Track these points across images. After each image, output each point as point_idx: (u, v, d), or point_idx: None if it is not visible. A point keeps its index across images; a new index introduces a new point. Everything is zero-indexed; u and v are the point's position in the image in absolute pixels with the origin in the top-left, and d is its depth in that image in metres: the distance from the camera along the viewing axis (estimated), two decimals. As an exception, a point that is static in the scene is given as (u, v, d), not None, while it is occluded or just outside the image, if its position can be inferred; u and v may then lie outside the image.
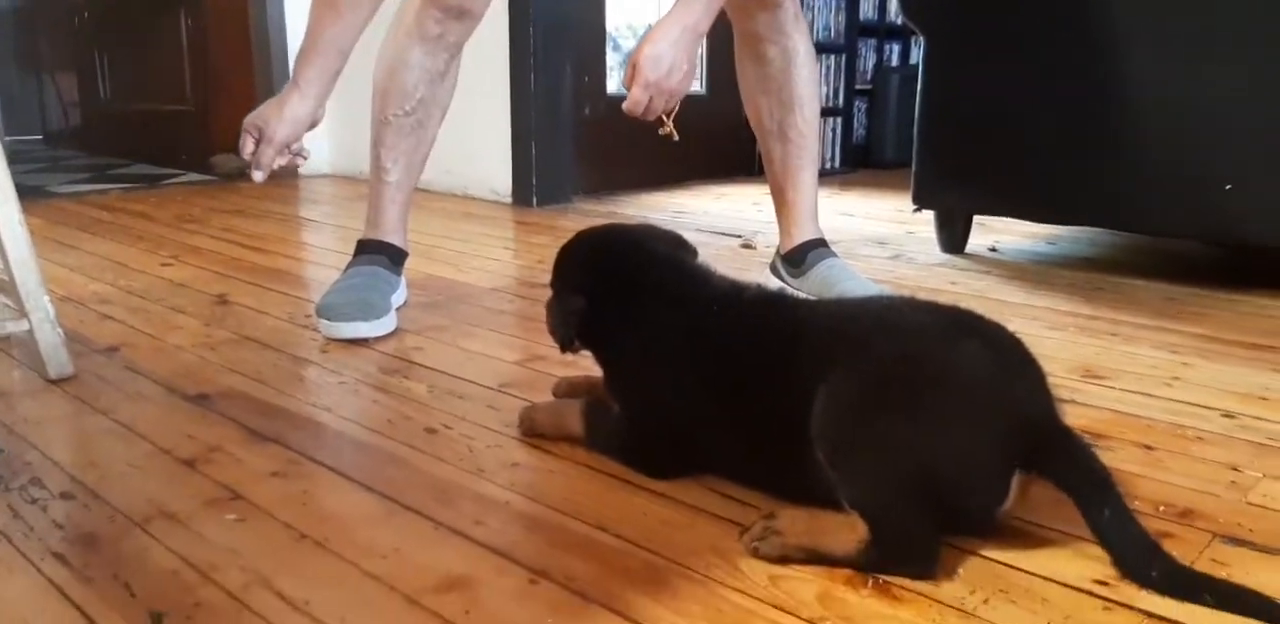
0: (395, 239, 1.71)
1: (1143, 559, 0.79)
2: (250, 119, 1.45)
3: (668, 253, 1.07)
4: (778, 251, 1.85)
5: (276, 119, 1.44)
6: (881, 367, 0.86)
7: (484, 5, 1.61)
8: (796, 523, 0.86)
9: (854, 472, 0.84)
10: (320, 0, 1.45)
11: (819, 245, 1.79)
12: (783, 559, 0.84)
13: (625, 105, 1.40)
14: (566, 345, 1.06)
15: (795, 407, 0.87)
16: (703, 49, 3.73)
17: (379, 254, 1.68)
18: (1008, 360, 0.89)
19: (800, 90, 1.76)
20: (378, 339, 1.51)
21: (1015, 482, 0.83)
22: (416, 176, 1.71)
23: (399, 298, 1.70)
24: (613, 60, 3.44)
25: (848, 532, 0.83)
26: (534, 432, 1.13)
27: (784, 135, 1.78)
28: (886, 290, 1.77)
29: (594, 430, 1.08)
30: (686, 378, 0.98)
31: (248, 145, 1.46)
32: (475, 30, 1.64)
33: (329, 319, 1.52)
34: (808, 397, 0.86)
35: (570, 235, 1.11)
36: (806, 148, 1.79)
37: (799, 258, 1.78)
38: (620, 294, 1.03)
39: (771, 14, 1.71)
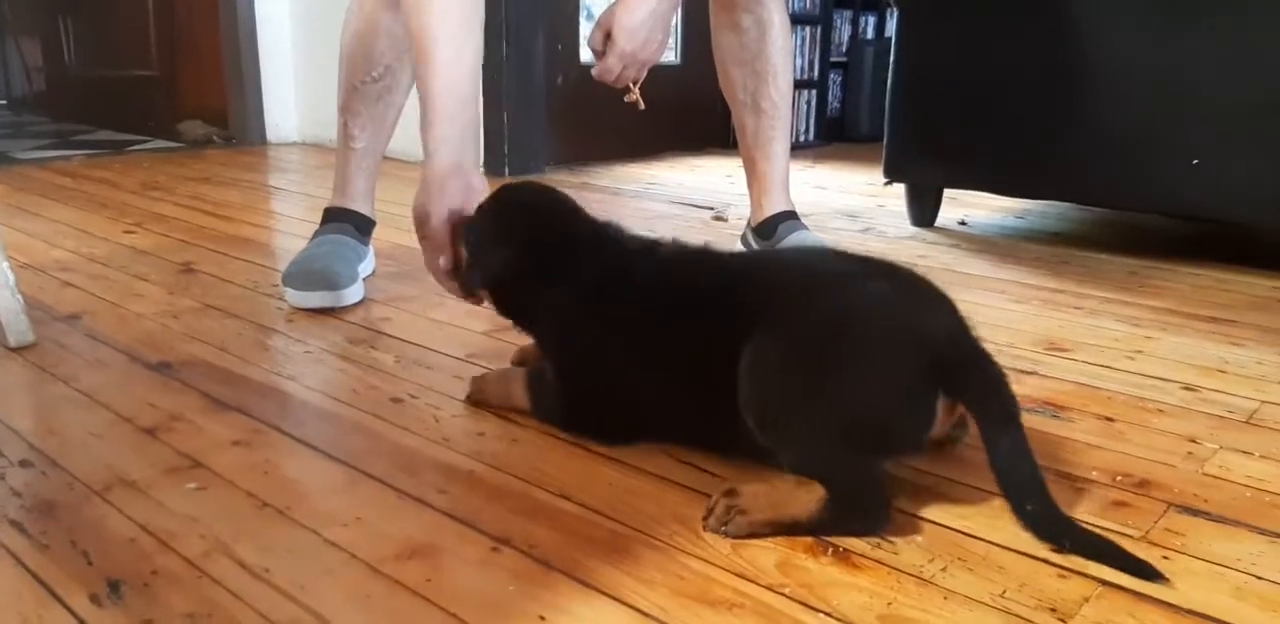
0: (362, 207, 1.69)
1: (1024, 494, 0.83)
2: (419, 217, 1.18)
3: (588, 213, 1.10)
4: (749, 223, 1.85)
5: (423, 191, 1.18)
6: (793, 323, 0.88)
7: None
8: (758, 498, 0.85)
9: (789, 436, 0.86)
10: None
11: (789, 217, 1.79)
12: (750, 536, 0.84)
13: (595, 72, 1.39)
14: (482, 286, 1.09)
15: (726, 361, 0.89)
16: (678, 18, 3.71)
17: (346, 222, 1.66)
18: (917, 294, 0.93)
19: (774, 61, 1.75)
20: (344, 309, 1.50)
21: (940, 406, 0.86)
22: (385, 144, 1.69)
23: (367, 267, 1.69)
24: (586, 29, 3.40)
25: (806, 493, 0.84)
26: (483, 402, 1.12)
27: (757, 107, 1.77)
28: None
29: (537, 399, 1.07)
30: (615, 336, 0.99)
31: (425, 250, 1.19)
32: None
33: (294, 288, 1.50)
34: (736, 350, 0.88)
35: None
36: (779, 119, 1.78)
37: (769, 229, 1.78)
38: (549, 253, 1.04)
39: None
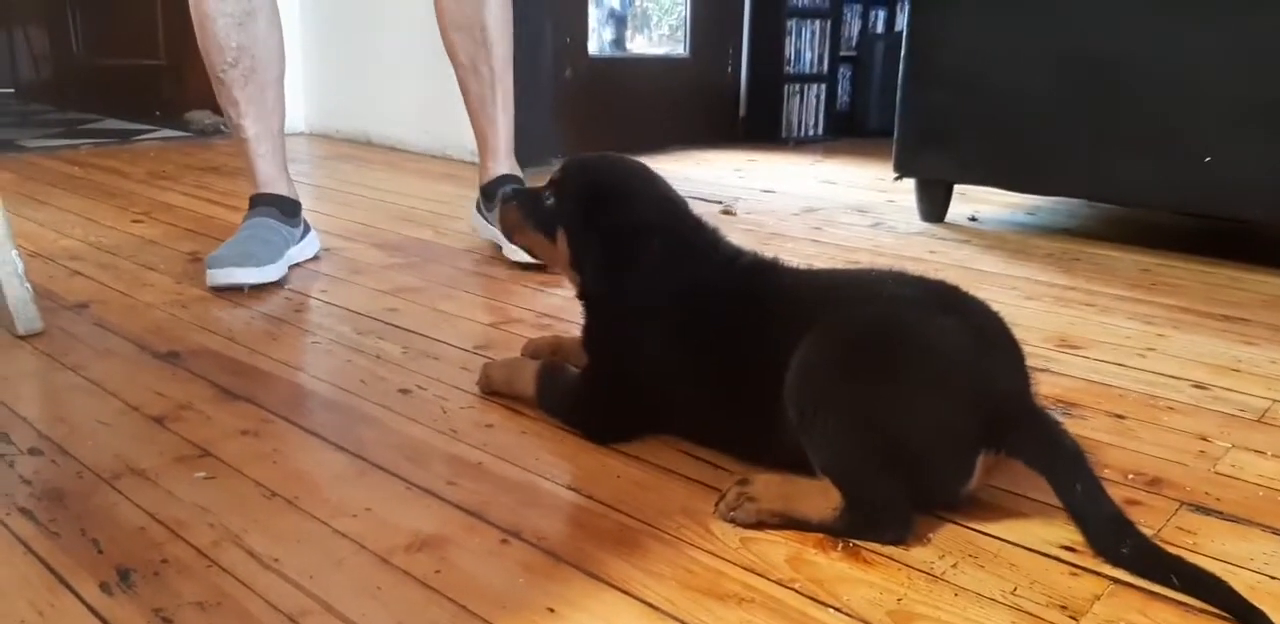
0: (280, 189, 1.72)
1: (1114, 536, 0.79)
2: None
3: (686, 208, 1.06)
4: (479, 184, 1.89)
5: None
6: (854, 332, 0.86)
7: None
8: (770, 488, 0.85)
9: (824, 436, 0.84)
10: None
11: (512, 181, 1.82)
12: (758, 525, 0.84)
13: None
14: (545, 232, 1.05)
15: (775, 370, 0.87)
16: (686, 12, 3.70)
17: (267, 205, 1.69)
18: (984, 337, 0.88)
19: (492, 31, 1.79)
20: (351, 299, 1.50)
21: (980, 461, 0.83)
22: (278, 124, 1.72)
23: (305, 250, 1.72)
24: (594, 19, 3.40)
25: (822, 497, 0.83)
26: (490, 388, 1.12)
27: (476, 71, 1.82)
28: None
29: (545, 391, 1.07)
30: (678, 334, 0.98)
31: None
32: None
33: (209, 267, 1.52)
34: (786, 360, 0.86)
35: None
36: (499, 87, 1.83)
37: (492, 191, 1.80)
38: (635, 240, 1.00)
39: None
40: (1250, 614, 0.72)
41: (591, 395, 1.03)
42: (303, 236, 1.72)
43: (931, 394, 0.83)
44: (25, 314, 1.28)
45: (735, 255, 1.03)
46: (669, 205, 1.05)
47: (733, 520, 0.84)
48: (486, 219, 1.80)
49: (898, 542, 0.82)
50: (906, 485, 0.83)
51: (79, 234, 1.89)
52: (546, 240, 1.07)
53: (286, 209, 1.70)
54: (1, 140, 3.23)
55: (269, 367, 1.21)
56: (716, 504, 0.86)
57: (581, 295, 1.06)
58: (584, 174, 1.07)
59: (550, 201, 1.06)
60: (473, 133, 1.90)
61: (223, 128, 3.54)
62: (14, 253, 1.28)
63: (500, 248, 1.71)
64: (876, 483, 0.83)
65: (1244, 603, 0.72)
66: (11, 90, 4.90)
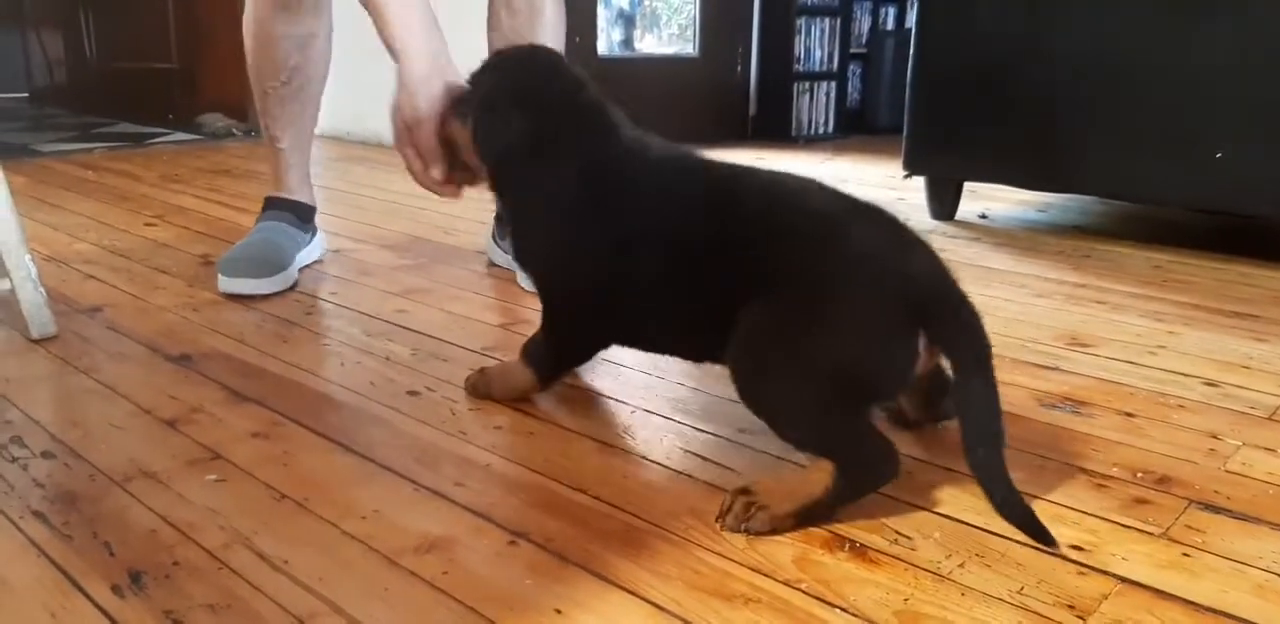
0: (301, 196, 1.73)
1: (979, 440, 0.82)
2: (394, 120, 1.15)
3: (602, 98, 1.06)
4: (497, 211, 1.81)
5: (405, 94, 1.13)
6: (786, 281, 0.88)
7: None
8: (774, 493, 0.85)
9: (787, 418, 0.88)
10: None
11: None
12: (774, 532, 0.83)
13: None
14: (491, 160, 1.05)
15: (717, 271, 0.91)
16: (696, 11, 3.70)
17: (286, 211, 1.70)
18: (898, 237, 0.92)
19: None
20: (360, 301, 1.51)
21: (922, 346, 0.86)
22: (310, 134, 1.73)
23: (312, 252, 1.73)
24: (604, 20, 3.40)
25: (815, 473, 0.85)
26: (488, 396, 1.13)
27: None
28: None
29: (534, 359, 1.10)
30: (608, 232, 0.99)
31: (411, 160, 1.14)
32: None
33: (222, 273, 1.53)
34: (721, 269, 0.91)
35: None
36: None
37: None
38: (559, 130, 1.02)
39: None
40: (1042, 535, 0.79)
41: (550, 318, 1.08)
42: (310, 240, 1.73)
43: (861, 302, 0.86)
44: (39, 318, 1.30)
45: (643, 140, 1.03)
46: (572, 89, 1.04)
47: (746, 531, 0.83)
48: (500, 246, 1.76)
49: (894, 475, 0.86)
50: (866, 406, 0.89)
51: (92, 238, 1.90)
52: (461, 125, 1.08)
53: (302, 215, 1.72)
54: (15, 144, 3.26)
55: (279, 369, 1.22)
56: (722, 517, 0.84)
57: (492, 187, 1.08)
58: (497, 64, 1.09)
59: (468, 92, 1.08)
60: None
61: (235, 131, 3.56)
62: (27, 258, 1.29)
63: (517, 274, 1.68)
64: (850, 436, 0.86)
65: (1040, 527, 0.80)
66: (25, 95, 4.94)
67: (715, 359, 0.97)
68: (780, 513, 0.84)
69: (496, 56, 1.11)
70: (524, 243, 1.09)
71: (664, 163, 1.02)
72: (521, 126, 1.02)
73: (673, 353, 1.07)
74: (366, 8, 1.20)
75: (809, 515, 0.84)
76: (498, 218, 1.78)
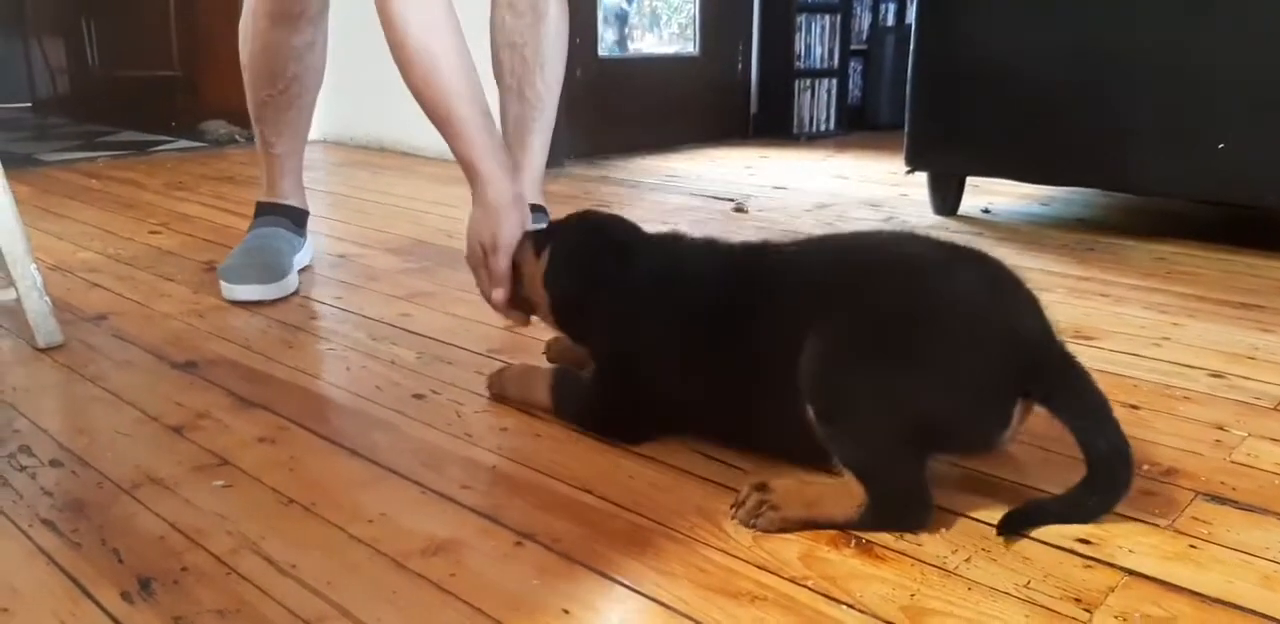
0: (294, 201, 1.74)
1: (1107, 491, 0.82)
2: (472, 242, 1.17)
3: (651, 235, 1.07)
4: None
5: (487, 218, 1.15)
6: (869, 308, 0.85)
7: None
8: (791, 495, 0.84)
9: (847, 427, 0.83)
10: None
11: (537, 210, 1.74)
12: (780, 532, 0.83)
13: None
14: (554, 311, 1.07)
15: (784, 358, 0.86)
16: (695, 10, 3.70)
17: (280, 216, 1.71)
18: (1001, 284, 0.88)
19: (546, 50, 1.71)
20: (365, 304, 1.51)
21: (1018, 409, 0.83)
22: (304, 140, 1.74)
23: (304, 257, 1.73)
24: (603, 21, 3.40)
25: (845, 497, 0.83)
26: (502, 396, 1.13)
27: (522, 94, 1.72)
28: None
29: (563, 399, 1.06)
30: (676, 332, 0.98)
31: (482, 281, 1.17)
32: None
33: (228, 281, 1.53)
34: (796, 347, 0.85)
35: (563, 203, 1.11)
36: (543, 111, 1.74)
37: None
38: (618, 277, 1.02)
39: None
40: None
41: (607, 400, 1.03)
42: (304, 244, 1.74)
43: (959, 354, 0.82)
44: (45, 327, 1.30)
45: (726, 246, 1.03)
46: (622, 244, 1.06)
47: (753, 527, 0.83)
48: None
49: (921, 527, 0.83)
50: (941, 455, 0.85)
51: (97, 246, 1.91)
52: (534, 259, 1.09)
53: (296, 219, 1.73)
54: (20, 154, 3.27)
55: (285, 374, 1.22)
56: (734, 509, 0.85)
57: (553, 321, 1.09)
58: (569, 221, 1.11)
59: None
60: None
61: (238, 138, 3.57)
62: (33, 267, 1.29)
63: None
64: (902, 472, 0.83)
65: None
66: (29, 104, 4.95)
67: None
68: (791, 517, 0.83)
69: (570, 221, 1.12)
70: (600, 352, 1.06)
71: (744, 258, 1.00)
72: (594, 270, 1.03)
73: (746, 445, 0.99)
74: (439, 124, 1.21)
75: (818, 527, 0.84)
76: None
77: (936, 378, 0.81)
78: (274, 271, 1.56)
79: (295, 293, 1.58)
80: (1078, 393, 0.83)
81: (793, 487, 0.85)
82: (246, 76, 1.64)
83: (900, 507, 0.83)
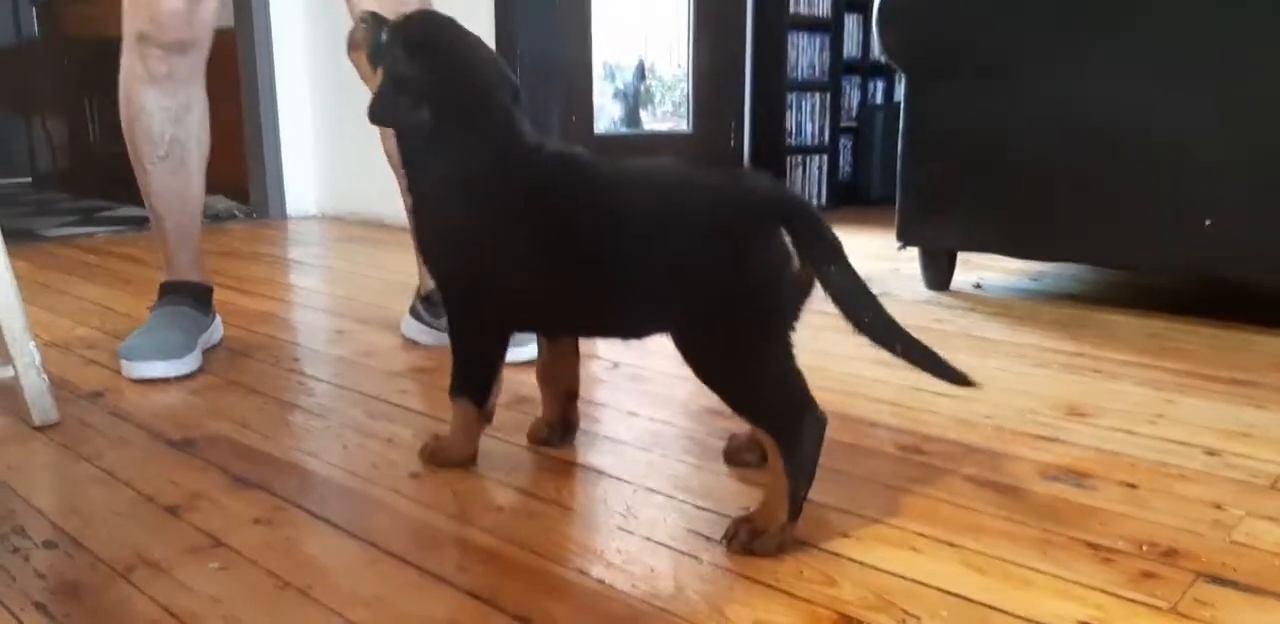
0: (193, 276, 1.73)
1: (863, 310, 0.94)
2: None
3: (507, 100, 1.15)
4: (417, 293, 1.80)
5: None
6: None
7: (206, 32, 1.60)
8: (765, 517, 0.94)
9: (723, 389, 0.97)
10: None
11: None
12: (780, 548, 0.92)
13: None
14: (382, 123, 1.13)
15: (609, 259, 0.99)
16: (689, 89, 3.79)
17: (183, 294, 1.69)
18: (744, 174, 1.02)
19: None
20: (364, 382, 1.51)
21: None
22: (196, 211, 1.73)
23: (214, 335, 1.72)
24: (600, 95, 3.47)
25: (776, 464, 0.93)
26: (442, 460, 1.17)
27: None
28: None
29: (452, 385, 1.15)
30: (501, 224, 1.05)
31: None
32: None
33: (127, 359, 1.53)
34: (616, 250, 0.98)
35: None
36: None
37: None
38: (460, 121, 1.09)
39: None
40: (954, 375, 0.94)
41: (449, 308, 1.13)
42: (211, 322, 1.73)
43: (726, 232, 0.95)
44: (41, 405, 1.30)
45: (538, 143, 1.13)
46: (485, 79, 1.13)
47: (751, 553, 0.92)
48: (430, 324, 1.74)
49: (820, 426, 0.95)
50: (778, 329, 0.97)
51: (95, 322, 1.92)
52: (371, 70, 1.13)
53: (199, 296, 1.71)
54: (20, 229, 3.29)
55: (282, 453, 1.22)
56: (729, 542, 0.94)
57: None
58: (418, 23, 1.13)
59: (385, 37, 1.11)
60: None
61: (237, 212, 3.61)
62: (32, 344, 1.30)
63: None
64: (785, 408, 0.94)
65: (950, 368, 0.94)
66: (29, 179, 5.01)
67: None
68: (776, 528, 0.92)
69: (422, 15, 1.17)
70: (422, 240, 1.18)
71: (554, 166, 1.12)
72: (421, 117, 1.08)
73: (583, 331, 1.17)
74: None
75: (796, 506, 0.93)
76: (428, 297, 1.75)
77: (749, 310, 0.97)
78: (175, 349, 1.55)
79: (200, 370, 1.57)
80: (815, 235, 0.97)
81: (761, 510, 0.95)
82: (129, 145, 1.65)
83: (800, 437, 0.93)
